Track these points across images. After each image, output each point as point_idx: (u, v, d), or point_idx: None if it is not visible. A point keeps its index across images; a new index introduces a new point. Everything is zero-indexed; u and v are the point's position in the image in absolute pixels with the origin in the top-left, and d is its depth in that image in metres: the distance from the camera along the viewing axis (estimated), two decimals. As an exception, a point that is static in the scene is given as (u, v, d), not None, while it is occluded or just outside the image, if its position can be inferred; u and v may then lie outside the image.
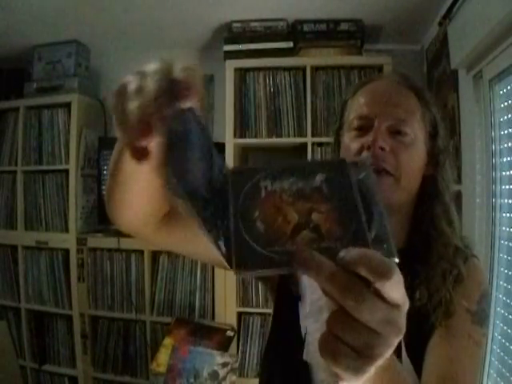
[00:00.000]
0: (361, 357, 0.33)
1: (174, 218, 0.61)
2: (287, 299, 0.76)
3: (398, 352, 0.64)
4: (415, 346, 0.66)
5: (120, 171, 0.48)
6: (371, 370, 0.34)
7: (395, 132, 0.68)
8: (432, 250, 0.71)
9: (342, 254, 0.33)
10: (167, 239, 0.63)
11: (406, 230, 0.74)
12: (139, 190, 0.51)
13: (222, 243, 0.37)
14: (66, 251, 2.22)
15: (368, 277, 0.32)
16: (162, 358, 1.84)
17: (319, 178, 0.40)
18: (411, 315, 0.65)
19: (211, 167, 0.40)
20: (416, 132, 0.69)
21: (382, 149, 0.66)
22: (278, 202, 0.39)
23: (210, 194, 0.38)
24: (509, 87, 1.35)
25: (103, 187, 2.25)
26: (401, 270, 0.68)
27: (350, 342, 0.33)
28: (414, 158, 0.69)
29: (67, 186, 2.22)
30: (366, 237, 0.36)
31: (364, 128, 0.70)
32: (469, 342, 0.66)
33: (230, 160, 1.92)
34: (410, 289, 0.66)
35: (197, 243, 0.64)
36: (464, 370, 0.64)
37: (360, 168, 0.41)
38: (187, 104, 0.37)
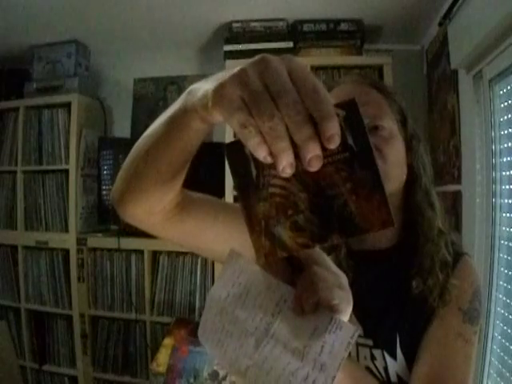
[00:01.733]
0: None
1: (186, 209, 0.61)
2: None
3: (391, 349, 0.66)
4: (414, 340, 0.67)
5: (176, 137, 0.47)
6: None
7: (373, 128, 0.69)
8: (420, 237, 0.72)
9: None
10: (174, 231, 0.63)
11: (398, 223, 0.74)
12: (162, 173, 0.51)
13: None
14: (66, 251, 2.22)
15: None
16: (162, 358, 1.84)
17: None
18: (410, 308, 0.67)
19: None
20: (390, 124, 0.71)
21: None
22: None
23: None
24: (509, 87, 1.35)
25: (103, 187, 2.25)
26: (398, 263, 0.71)
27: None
28: (396, 149, 0.71)
29: (67, 186, 2.22)
30: None
31: None
32: (459, 340, 0.66)
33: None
34: (407, 280, 0.68)
35: (205, 237, 0.65)
36: (454, 370, 0.65)
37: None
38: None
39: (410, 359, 0.66)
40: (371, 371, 0.67)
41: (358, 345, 0.69)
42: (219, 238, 0.64)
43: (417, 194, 0.74)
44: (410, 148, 0.74)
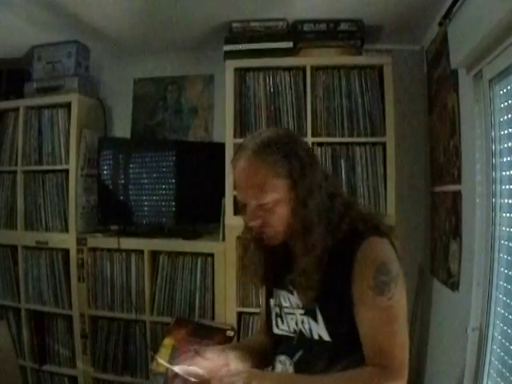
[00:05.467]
0: None
1: None
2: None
3: (314, 315, 0.91)
4: (331, 307, 0.89)
5: None
6: None
7: (261, 205, 0.90)
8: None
9: None
10: None
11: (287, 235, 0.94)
12: None
13: None
14: (66, 251, 2.22)
15: None
16: (162, 358, 1.84)
17: None
18: (328, 285, 0.88)
19: None
20: (273, 194, 0.89)
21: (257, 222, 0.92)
22: None
23: None
24: (509, 87, 1.35)
25: (103, 187, 2.25)
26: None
27: None
28: (279, 214, 0.90)
29: (67, 186, 2.22)
30: None
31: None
32: (377, 310, 0.83)
33: (229, 160, 1.92)
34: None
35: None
36: (387, 335, 0.82)
37: None
38: None
39: (329, 323, 0.89)
40: (302, 332, 0.93)
41: (291, 314, 0.96)
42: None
43: (294, 233, 0.91)
44: (302, 202, 0.89)
